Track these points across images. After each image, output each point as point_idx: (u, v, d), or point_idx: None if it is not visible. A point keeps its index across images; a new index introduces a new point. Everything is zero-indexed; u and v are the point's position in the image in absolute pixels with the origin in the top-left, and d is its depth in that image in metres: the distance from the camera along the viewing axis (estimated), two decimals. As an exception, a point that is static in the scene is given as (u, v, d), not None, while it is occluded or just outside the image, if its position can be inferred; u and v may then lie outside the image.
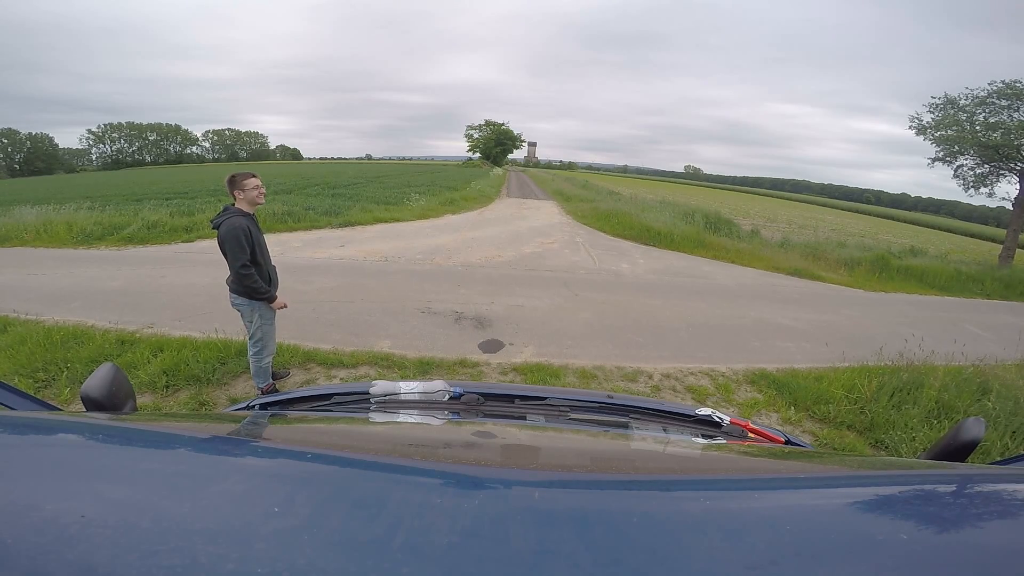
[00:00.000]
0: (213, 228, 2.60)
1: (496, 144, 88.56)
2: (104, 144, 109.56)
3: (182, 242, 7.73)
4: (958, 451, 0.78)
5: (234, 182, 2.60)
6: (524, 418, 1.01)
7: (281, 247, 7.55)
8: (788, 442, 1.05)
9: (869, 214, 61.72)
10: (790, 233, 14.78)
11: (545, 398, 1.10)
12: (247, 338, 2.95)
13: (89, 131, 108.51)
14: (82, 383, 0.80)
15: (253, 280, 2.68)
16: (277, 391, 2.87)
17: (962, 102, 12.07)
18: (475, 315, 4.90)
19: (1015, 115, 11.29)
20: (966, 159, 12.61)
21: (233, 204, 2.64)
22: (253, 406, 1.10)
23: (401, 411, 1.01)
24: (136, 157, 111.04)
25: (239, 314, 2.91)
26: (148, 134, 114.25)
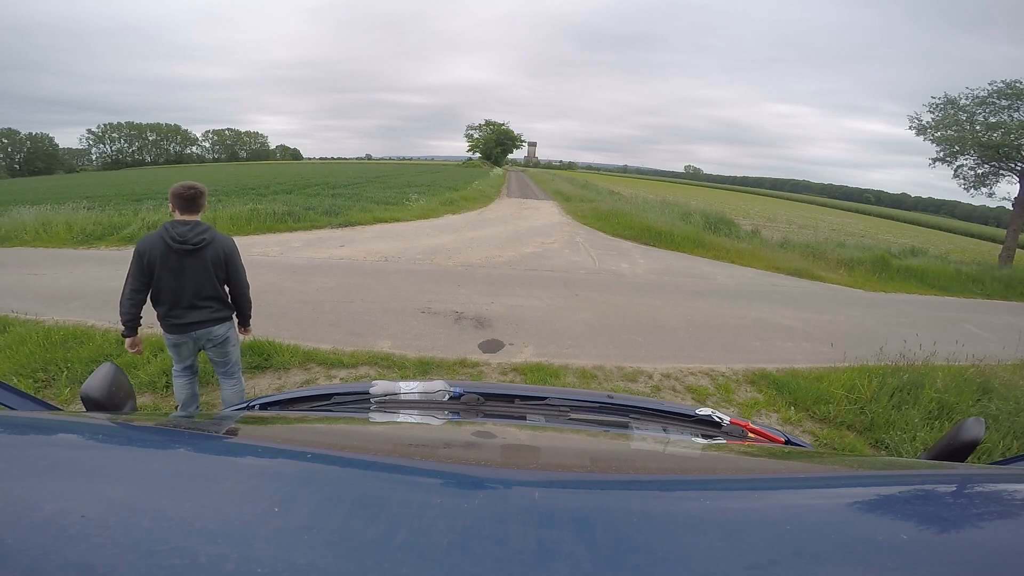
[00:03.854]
0: (193, 246, 2.12)
1: (496, 144, 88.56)
2: (104, 144, 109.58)
3: (182, 242, 7.73)
4: (958, 451, 0.78)
5: (204, 196, 2.21)
6: (524, 418, 1.01)
7: (281, 247, 7.56)
8: (788, 442, 1.05)
9: (869, 214, 61.75)
10: (790, 233, 14.78)
11: (545, 398, 1.10)
12: (224, 370, 2.50)
13: (89, 131, 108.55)
14: (82, 383, 0.80)
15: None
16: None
17: (962, 102, 12.08)
18: (475, 315, 4.90)
19: (1015, 115, 11.30)
20: (966, 159, 12.62)
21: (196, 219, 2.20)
22: (253, 406, 1.10)
23: (401, 411, 1.01)
24: (136, 157, 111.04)
25: (218, 349, 2.41)
26: (148, 134, 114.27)
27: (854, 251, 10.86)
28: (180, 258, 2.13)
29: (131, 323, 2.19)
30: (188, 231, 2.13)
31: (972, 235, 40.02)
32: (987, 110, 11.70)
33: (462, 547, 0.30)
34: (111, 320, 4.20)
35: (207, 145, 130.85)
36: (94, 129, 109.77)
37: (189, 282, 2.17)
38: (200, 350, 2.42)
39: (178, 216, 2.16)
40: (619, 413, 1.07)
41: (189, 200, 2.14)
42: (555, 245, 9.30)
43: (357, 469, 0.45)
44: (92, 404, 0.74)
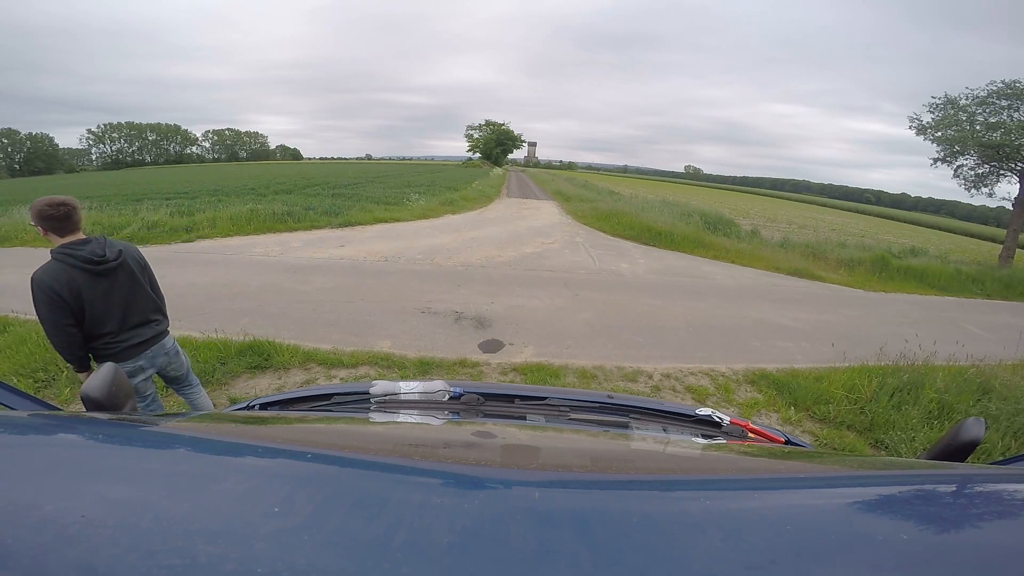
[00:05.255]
0: (115, 261, 1.86)
1: (496, 144, 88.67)
2: (104, 144, 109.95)
3: (182, 242, 7.72)
4: (958, 451, 0.78)
5: (79, 211, 1.83)
6: (524, 418, 1.01)
7: (281, 247, 7.56)
8: (788, 442, 1.05)
9: (869, 214, 61.83)
10: (790, 233, 14.78)
11: (545, 398, 1.10)
12: (187, 381, 2.36)
13: (89, 131, 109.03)
14: (82, 383, 0.80)
15: None
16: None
17: (962, 102, 12.08)
18: (475, 315, 4.90)
19: (1015, 115, 11.30)
20: (966, 159, 12.62)
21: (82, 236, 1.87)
22: (253, 406, 1.10)
23: (401, 411, 1.01)
24: (136, 157, 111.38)
25: (176, 361, 2.25)
26: (148, 134, 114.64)
27: (854, 251, 10.86)
28: (107, 279, 1.84)
29: (83, 360, 1.88)
30: (98, 248, 1.82)
31: (972, 235, 40.03)
32: (987, 110, 11.70)
33: (462, 547, 0.30)
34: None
35: (207, 145, 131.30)
36: (94, 129, 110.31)
37: (129, 300, 1.91)
38: (153, 373, 2.12)
39: (60, 239, 1.78)
40: (619, 413, 1.07)
41: (64, 219, 1.76)
42: (555, 245, 9.30)
43: (357, 469, 0.45)
44: (92, 404, 0.74)
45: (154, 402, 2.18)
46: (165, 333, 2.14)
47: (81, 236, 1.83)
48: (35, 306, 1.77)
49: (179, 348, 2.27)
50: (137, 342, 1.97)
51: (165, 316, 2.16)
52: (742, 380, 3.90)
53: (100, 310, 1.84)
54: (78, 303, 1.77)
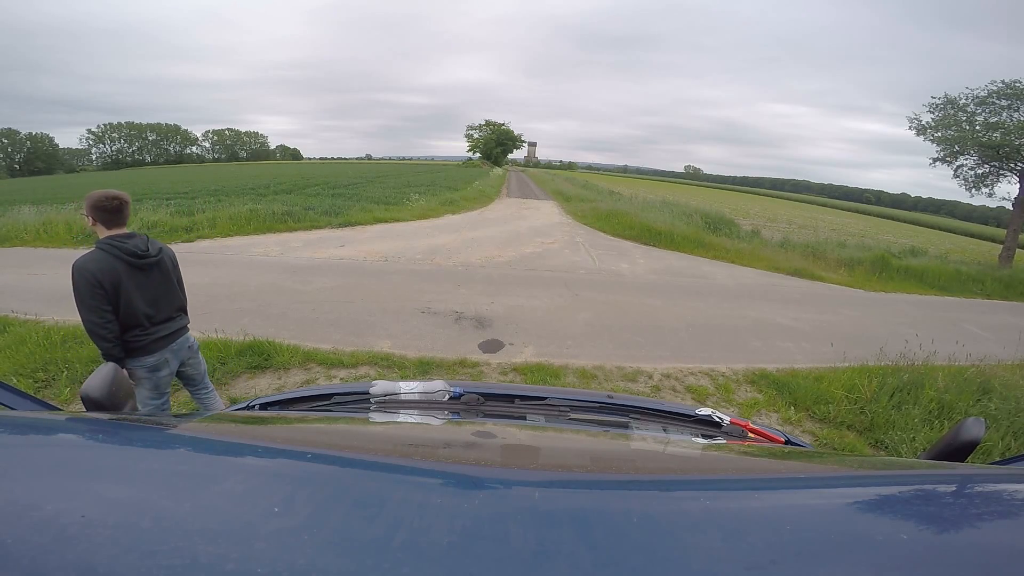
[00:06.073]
0: (154, 256, 1.99)
1: (496, 144, 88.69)
2: (104, 144, 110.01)
3: (182, 242, 7.72)
4: (958, 451, 0.78)
5: (129, 206, 1.96)
6: (524, 418, 1.01)
7: (281, 247, 7.56)
8: (788, 442, 1.05)
9: (869, 214, 61.85)
10: (790, 233, 14.78)
11: (545, 398, 1.10)
12: (203, 381, 2.38)
13: (89, 131, 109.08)
14: (82, 383, 0.80)
15: None
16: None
17: (962, 102, 12.09)
18: (475, 315, 4.90)
19: (1015, 115, 11.31)
20: (966, 159, 12.63)
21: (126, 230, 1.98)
22: (253, 406, 1.10)
23: (401, 411, 1.01)
24: (136, 157, 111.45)
25: (194, 358, 2.31)
26: (148, 134, 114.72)
27: (854, 251, 10.86)
28: (144, 274, 1.95)
29: (118, 347, 1.93)
30: (141, 244, 1.94)
31: (972, 235, 40.02)
32: (987, 110, 11.71)
33: (462, 547, 0.30)
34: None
35: (207, 145, 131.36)
36: (94, 129, 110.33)
37: (160, 295, 2.02)
38: (176, 367, 2.19)
39: (106, 231, 1.89)
40: (619, 413, 1.07)
41: (116, 212, 1.88)
42: (555, 245, 9.30)
43: (357, 469, 0.45)
44: (92, 404, 0.74)
45: (166, 403, 2.24)
46: (186, 329, 2.23)
47: (126, 230, 1.95)
48: (76, 292, 1.83)
49: (198, 347, 2.34)
50: (164, 335, 2.07)
51: (186, 314, 2.25)
52: (742, 380, 3.90)
53: (134, 303, 1.93)
54: (115, 293, 1.86)
